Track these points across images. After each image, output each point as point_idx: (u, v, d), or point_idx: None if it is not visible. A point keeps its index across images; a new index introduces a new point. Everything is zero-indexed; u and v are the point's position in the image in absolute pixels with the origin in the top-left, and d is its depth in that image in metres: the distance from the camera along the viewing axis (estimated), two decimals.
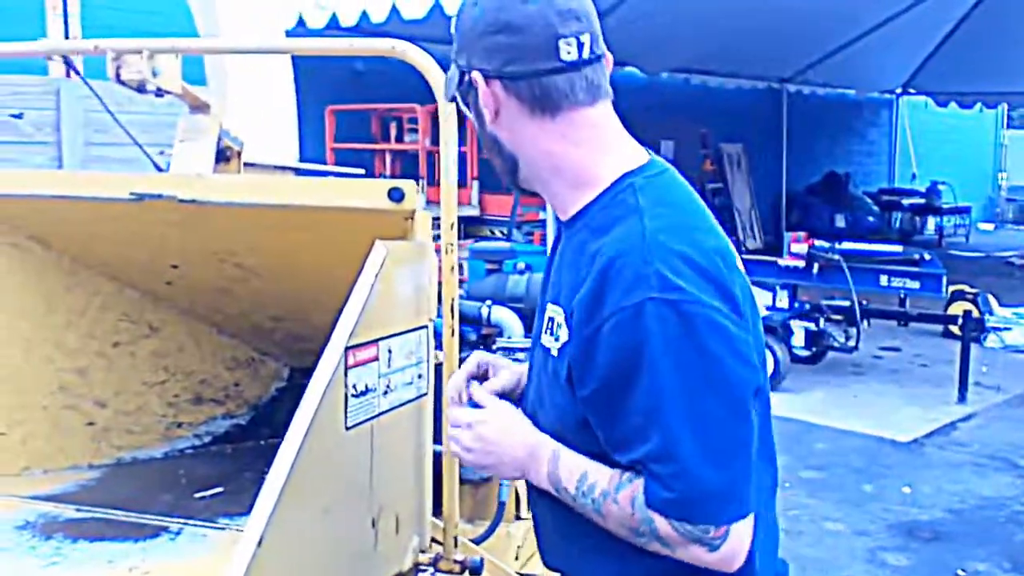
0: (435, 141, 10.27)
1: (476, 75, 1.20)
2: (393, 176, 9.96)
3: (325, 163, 9.64)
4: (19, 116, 6.75)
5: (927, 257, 6.89)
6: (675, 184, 1.25)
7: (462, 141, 10.20)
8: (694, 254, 1.13)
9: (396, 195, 1.57)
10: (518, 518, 2.05)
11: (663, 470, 1.11)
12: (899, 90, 17.24)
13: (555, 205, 1.28)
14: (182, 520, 1.65)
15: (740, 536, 1.14)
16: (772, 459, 1.29)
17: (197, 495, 1.80)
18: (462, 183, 10.07)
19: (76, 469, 1.97)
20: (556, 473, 1.20)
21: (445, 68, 1.59)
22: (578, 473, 1.18)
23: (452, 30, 1.25)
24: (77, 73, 2.20)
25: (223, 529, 1.61)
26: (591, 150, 1.22)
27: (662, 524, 1.13)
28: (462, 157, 10.25)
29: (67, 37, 2.54)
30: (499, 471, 1.27)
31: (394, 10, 8.61)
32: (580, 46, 1.17)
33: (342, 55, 1.76)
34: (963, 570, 3.88)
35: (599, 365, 1.12)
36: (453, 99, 1.29)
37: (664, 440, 1.10)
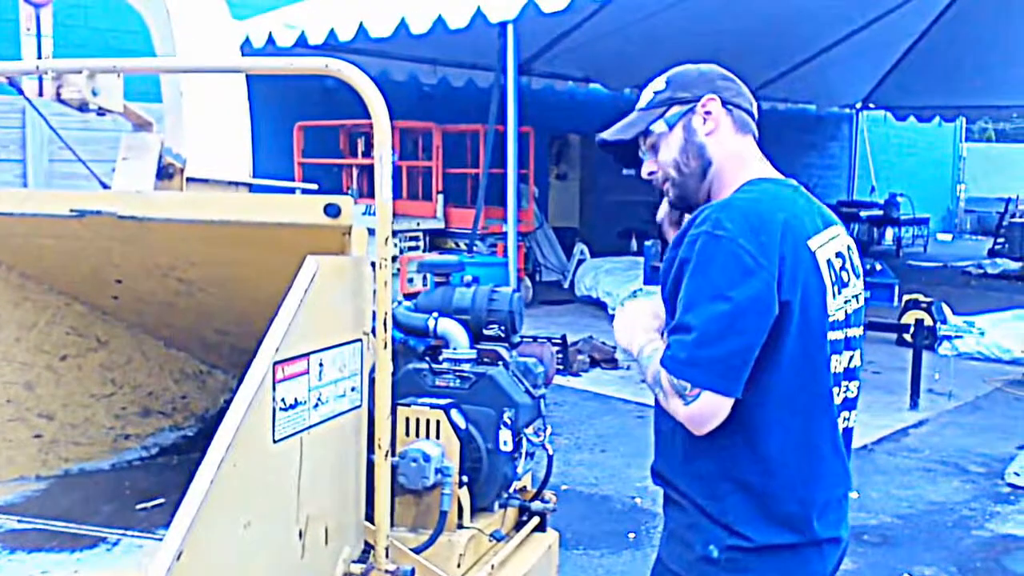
0: (402, 156, 10.34)
1: (713, 96, 1.75)
2: (361, 190, 9.99)
3: (293, 178, 9.66)
4: None
5: (879, 268, 7.04)
6: (778, 187, 1.73)
7: (428, 156, 10.29)
8: (751, 214, 1.60)
9: (332, 211, 1.62)
10: (461, 527, 2.08)
11: (674, 338, 1.59)
12: (859, 105, 17.57)
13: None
14: (121, 531, 1.67)
15: (710, 404, 1.55)
16: (817, 381, 1.65)
17: (138, 507, 1.83)
18: (427, 196, 10.15)
19: (23, 480, 1.99)
20: (643, 347, 1.71)
21: (380, 84, 1.68)
22: (651, 349, 1.69)
23: (664, 82, 1.81)
24: (20, 93, 2.23)
25: (160, 540, 1.63)
26: (744, 162, 1.77)
27: (664, 376, 1.60)
28: (428, 172, 10.34)
29: (39, 57, 2.58)
30: (619, 337, 1.81)
31: (361, 29, 8.68)
32: (759, 106, 1.84)
33: (280, 74, 1.80)
34: (909, 574, 3.96)
35: (674, 269, 1.65)
36: (645, 133, 1.78)
37: (680, 318, 1.59)
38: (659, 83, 1.81)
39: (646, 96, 1.82)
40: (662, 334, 1.73)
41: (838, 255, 1.72)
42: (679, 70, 1.82)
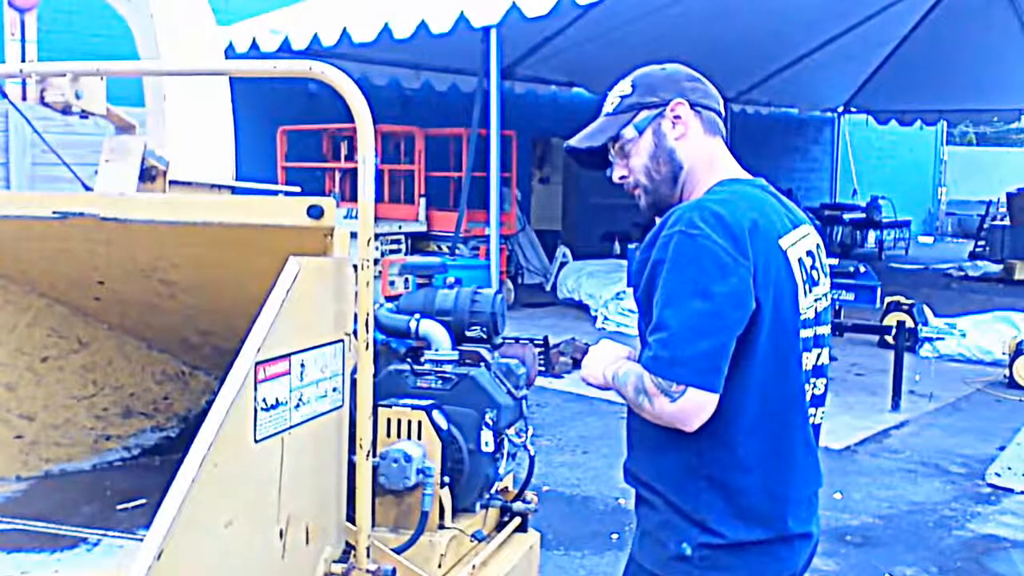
0: (384, 160, 10.35)
1: (681, 100, 1.75)
2: (343, 194, 9.99)
3: (276, 182, 9.65)
4: None
5: (862, 270, 7.10)
6: (748, 187, 1.74)
7: (410, 160, 10.30)
8: (723, 213, 1.59)
9: (315, 212, 1.63)
10: (442, 527, 2.09)
11: (655, 338, 1.59)
12: (841, 108, 17.71)
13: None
14: (101, 532, 1.67)
15: (696, 401, 1.56)
16: (789, 378, 1.67)
17: (119, 507, 1.83)
18: (409, 200, 10.16)
19: (3, 481, 1.98)
20: (615, 371, 1.72)
21: (365, 89, 1.69)
22: (625, 369, 1.70)
23: (629, 85, 1.79)
24: (4, 96, 2.23)
25: (141, 540, 1.64)
26: (714, 163, 1.78)
27: (647, 378, 1.59)
28: (410, 175, 10.36)
29: (23, 61, 2.59)
30: (590, 374, 1.80)
31: (345, 34, 8.69)
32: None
33: (266, 76, 1.82)
34: (891, 574, 3.99)
35: (648, 269, 1.65)
36: (615, 138, 1.77)
37: (660, 318, 1.59)
38: (625, 86, 1.80)
39: (612, 100, 1.81)
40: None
41: (808, 254, 1.75)
42: (644, 72, 1.81)
